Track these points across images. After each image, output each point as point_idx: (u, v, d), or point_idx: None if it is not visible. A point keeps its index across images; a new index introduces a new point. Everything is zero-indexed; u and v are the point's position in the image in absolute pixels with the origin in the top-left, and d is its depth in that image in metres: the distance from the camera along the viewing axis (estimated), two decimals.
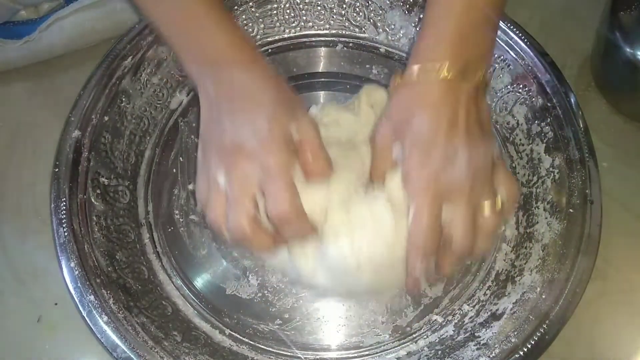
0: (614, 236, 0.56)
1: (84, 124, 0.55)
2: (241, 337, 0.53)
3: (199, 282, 0.55)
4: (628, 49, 0.58)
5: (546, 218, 0.54)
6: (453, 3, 0.44)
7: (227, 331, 0.53)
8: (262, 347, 0.52)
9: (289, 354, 0.52)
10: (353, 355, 0.53)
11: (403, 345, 0.53)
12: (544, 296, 0.50)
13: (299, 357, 0.52)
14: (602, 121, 0.64)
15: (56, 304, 0.55)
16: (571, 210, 0.52)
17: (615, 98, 0.65)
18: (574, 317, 0.48)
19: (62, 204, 0.52)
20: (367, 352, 0.53)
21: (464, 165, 0.43)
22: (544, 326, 0.48)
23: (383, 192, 0.47)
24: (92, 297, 0.48)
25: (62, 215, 0.51)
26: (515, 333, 0.49)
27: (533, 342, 0.48)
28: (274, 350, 0.52)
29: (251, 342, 0.53)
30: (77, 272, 0.49)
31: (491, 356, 0.48)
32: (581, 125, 0.55)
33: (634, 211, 0.60)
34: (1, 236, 0.59)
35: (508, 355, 0.48)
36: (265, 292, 0.55)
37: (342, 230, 0.46)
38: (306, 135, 0.45)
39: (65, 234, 0.50)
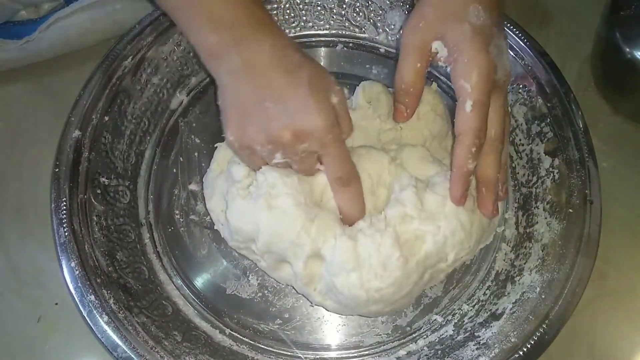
0: (614, 236, 0.56)
1: (84, 124, 0.55)
2: (241, 337, 0.53)
3: (199, 282, 0.55)
4: (628, 49, 0.58)
5: (546, 218, 0.54)
6: None
7: (228, 331, 0.53)
8: (263, 346, 0.53)
9: (289, 353, 0.52)
10: (353, 355, 0.53)
11: (403, 345, 0.53)
12: (543, 296, 0.50)
13: (299, 357, 0.52)
14: (602, 121, 0.64)
15: (56, 304, 0.55)
16: (571, 211, 0.53)
17: (615, 98, 0.65)
18: (573, 317, 0.48)
19: (62, 204, 0.52)
20: (367, 352, 0.53)
21: (507, 57, 0.47)
22: (544, 326, 0.48)
23: (387, 224, 0.47)
24: (92, 297, 0.48)
25: (63, 215, 0.51)
26: (515, 333, 0.49)
27: (533, 342, 0.48)
28: (274, 350, 0.52)
29: (251, 342, 0.53)
30: (77, 272, 0.49)
31: (491, 356, 0.48)
32: (581, 126, 0.55)
33: (634, 211, 0.60)
34: (1, 236, 0.59)
35: (507, 355, 0.48)
36: (265, 292, 0.55)
37: (349, 265, 0.46)
38: (341, 101, 0.46)
39: (66, 233, 0.50)
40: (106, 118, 0.57)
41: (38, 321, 0.55)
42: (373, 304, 0.48)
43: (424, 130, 0.54)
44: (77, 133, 0.54)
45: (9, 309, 0.56)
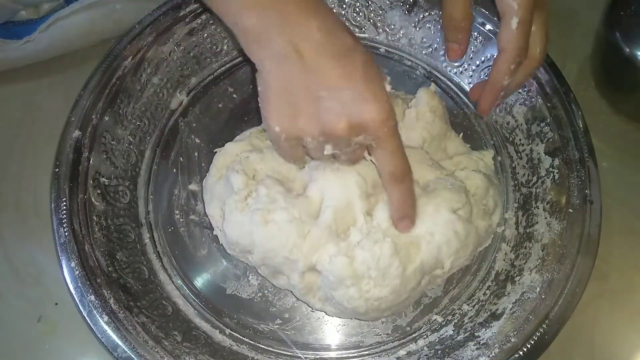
0: (614, 236, 0.56)
1: (84, 124, 0.55)
2: (241, 337, 0.53)
3: (199, 282, 0.55)
4: (628, 49, 0.58)
5: (546, 218, 0.54)
6: None
7: (228, 331, 0.53)
8: (263, 346, 0.52)
9: (289, 353, 0.52)
10: (353, 355, 0.53)
11: (403, 345, 0.53)
12: (543, 296, 0.50)
13: (299, 357, 0.52)
14: (602, 121, 0.64)
15: (56, 304, 0.55)
16: (571, 211, 0.52)
17: (615, 98, 0.65)
18: (573, 317, 0.48)
19: (62, 204, 0.52)
20: (367, 352, 0.53)
21: None
22: (544, 326, 0.48)
23: (385, 233, 0.47)
24: (92, 297, 0.48)
25: (63, 215, 0.51)
26: (515, 333, 0.49)
27: (533, 342, 0.48)
28: (274, 350, 0.52)
29: (251, 342, 0.53)
30: (77, 272, 0.49)
31: (491, 356, 0.48)
32: (581, 126, 0.55)
33: (633, 211, 0.60)
34: (1, 236, 0.59)
35: (507, 355, 0.48)
36: (265, 291, 0.55)
37: (348, 281, 0.46)
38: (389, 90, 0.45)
39: (66, 233, 0.50)
40: (106, 118, 0.57)
41: (38, 321, 0.55)
42: (373, 311, 0.48)
43: (423, 132, 0.54)
44: (77, 133, 0.54)
45: (9, 309, 0.56)
